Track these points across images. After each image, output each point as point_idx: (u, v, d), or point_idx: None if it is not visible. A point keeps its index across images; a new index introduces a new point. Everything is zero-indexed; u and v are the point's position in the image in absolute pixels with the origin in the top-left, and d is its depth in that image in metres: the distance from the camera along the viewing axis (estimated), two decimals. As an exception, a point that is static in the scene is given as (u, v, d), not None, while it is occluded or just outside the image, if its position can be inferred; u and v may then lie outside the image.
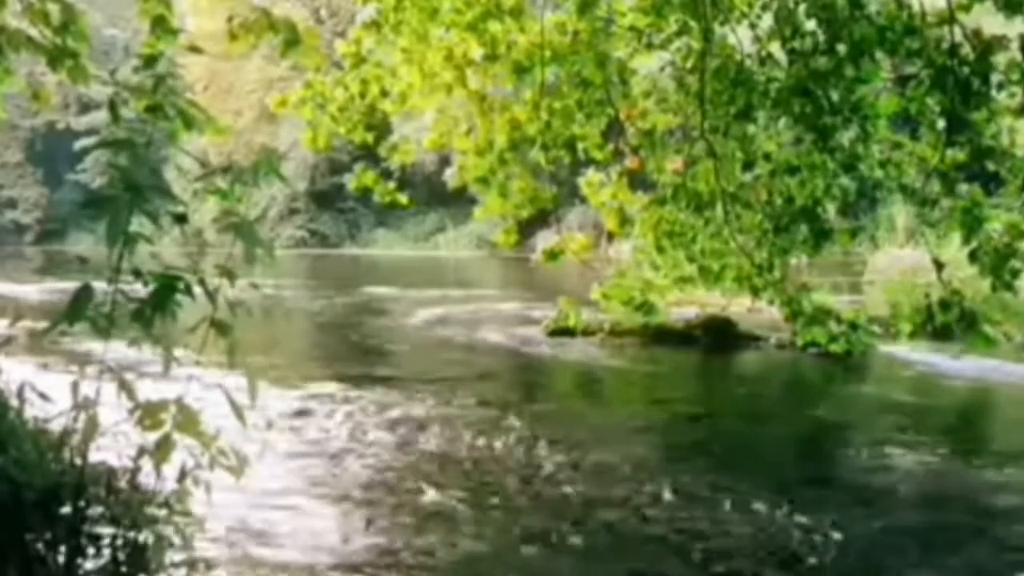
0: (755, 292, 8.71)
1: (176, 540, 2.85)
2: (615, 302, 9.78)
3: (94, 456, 2.83)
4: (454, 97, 9.17)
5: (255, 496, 4.05)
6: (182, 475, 2.83)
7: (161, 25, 3.97)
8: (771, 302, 8.97)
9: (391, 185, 9.77)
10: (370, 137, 9.34)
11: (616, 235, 10.12)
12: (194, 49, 3.54)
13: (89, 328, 2.63)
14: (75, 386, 2.73)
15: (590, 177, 9.69)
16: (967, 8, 6.19)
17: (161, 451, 2.73)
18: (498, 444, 5.48)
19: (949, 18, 6.20)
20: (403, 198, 9.67)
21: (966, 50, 6.15)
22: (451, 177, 12.05)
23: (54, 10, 4.48)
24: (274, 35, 4.62)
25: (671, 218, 8.75)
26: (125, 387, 2.74)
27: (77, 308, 2.58)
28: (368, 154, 20.35)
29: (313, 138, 9.24)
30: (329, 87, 8.97)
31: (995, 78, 6.14)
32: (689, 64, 8.15)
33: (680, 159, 8.62)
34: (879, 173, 7.37)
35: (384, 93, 9.02)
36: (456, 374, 8.73)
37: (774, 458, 5.78)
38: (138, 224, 2.67)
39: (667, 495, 4.53)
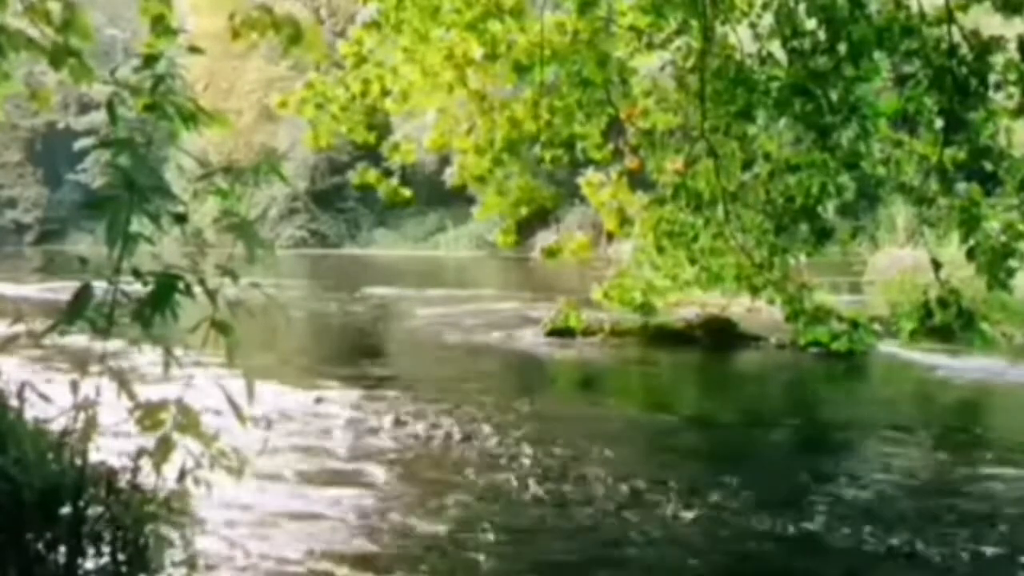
0: (755, 291, 8.70)
1: (176, 540, 2.86)
2: (615, 302, 9.77)
3: (94, 456, 2.83)
4: (454, 96, 9.15)
5: (254, 495, 4.06)
6: (182, 475, 2.83)
7: (161, 23, 3.97)
8: (771, 301, 8.96)
9: (393, 181, 9.75)
10: (372, 137, 9.33)
11: (616, 235, 10.10)
12: (194, 49, 3.52)
13: (89, 328, 2.63)
14: (75, 386, 2.73)
15: (590, 177, 9.68)
16: (965, 8, 6.19)
17: (161, 451, 2.73)
18: (496, 444, 5.48)
19: (948, 18, 6.19)
20: (406, 192, 9.66)
21: (964, 50, 6.14)
22: (451, 177, 12.05)
23: (55, 9, 4.46)
24: (276, 32, 4.61)
25: (671, 218, 8.72)
26: (125, 387, 2.74)
27: (77, 308, 2.59)
28: (368, 154, 20.35)
29: (315, 137, 9.22)
30: (330, 87, 8.96)
31: (993, 78, 6.13)
32: (689, 63, 8.12)
33: (680, 159, 8.60)
34: (880, 170, 7.37)
35: (385, 92, 9.01)
36: (456, 374, 8.74)
37: (774, 458, 5.78)
38: (138, 224, 2.67)
39: (667, 494, 4.53)
